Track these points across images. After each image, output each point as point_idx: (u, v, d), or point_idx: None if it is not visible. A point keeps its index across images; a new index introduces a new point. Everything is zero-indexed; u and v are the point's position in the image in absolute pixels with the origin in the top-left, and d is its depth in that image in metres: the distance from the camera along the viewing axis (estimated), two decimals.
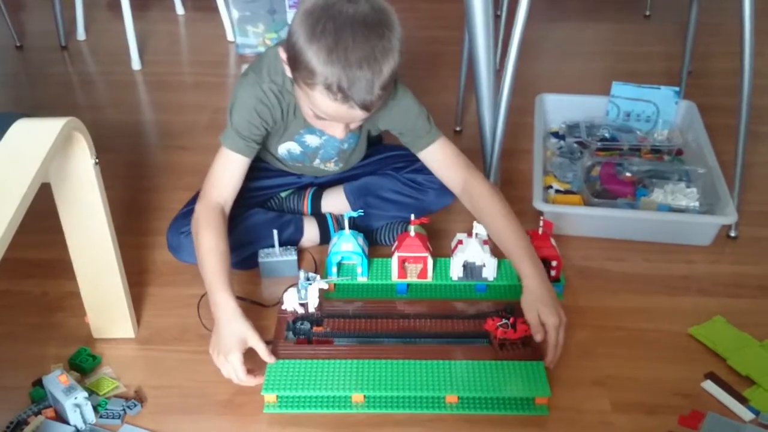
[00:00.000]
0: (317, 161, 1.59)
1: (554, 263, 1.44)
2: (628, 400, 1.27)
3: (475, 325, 1.36)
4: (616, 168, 1.74)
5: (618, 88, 1.94)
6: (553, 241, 1.45)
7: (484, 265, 1.45)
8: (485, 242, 1.44)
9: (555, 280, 1.46)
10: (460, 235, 1.48)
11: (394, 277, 1.47)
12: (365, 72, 1.20)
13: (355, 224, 1.60)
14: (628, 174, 1.73)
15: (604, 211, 1.61)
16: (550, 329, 1.27)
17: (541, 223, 1.44)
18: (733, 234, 1.64)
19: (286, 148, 1.55)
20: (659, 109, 1.93)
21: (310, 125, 1.44)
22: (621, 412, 1.24)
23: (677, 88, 1.93)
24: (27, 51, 2.66)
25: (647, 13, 2.80)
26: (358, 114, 1.27)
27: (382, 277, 1.48)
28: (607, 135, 1.91)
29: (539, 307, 1.29)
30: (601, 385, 1.29)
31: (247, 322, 1.26)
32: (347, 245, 1.45)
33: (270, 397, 1.25)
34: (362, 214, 1.51)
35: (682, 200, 1.63)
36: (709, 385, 1.28)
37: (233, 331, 1.26)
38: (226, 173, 1.43)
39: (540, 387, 1.23)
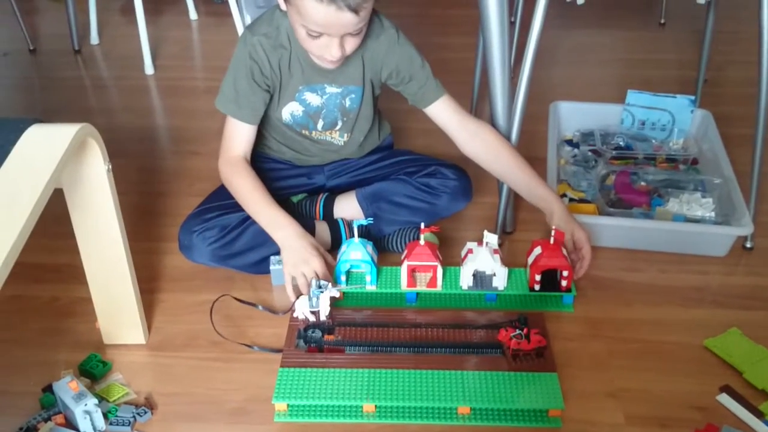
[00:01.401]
0: (321, 124, 1.58)
1: (566, 273, 1.42)
2: (641, 412, 1.25)
3: (488, 335, 1.35)
4: (631, 177, 1.73)
5: (633, 96, 1.93)
6: (564, 251, 1.44)
7: (494, 275, 1.43)
8: (495, 251, 1.43)
9: (566, 290, 1.44)
10: (470, 244, 1.46)
11: (404, 285, 1.46)
12: None
13: (367, 230, 1.59)
14: (643, 183, 1.71)
15: (619, 221, 1.60)
16: (585, 242, 1.44)
17: (553, 233, 1.43)
18: (748, 245, 1.63)
19: (289, 111, 1.56)
20: (674, 118, 1.91)
21: (309, 81, 1.50)
22: (635, 424, 1.23)
23: (693, 97, 1.91)
24: (40, 55, 2.67)
25: (662, 20, 2.79)
26: (348, 18, 1.30)
27: (392, 286, 1.47)
28: (621, 143, 1.89)
29: (574, 225, 1.46)
30: (615, 398, 1.28)
31: (312, 237, 1.45)
32: (356, 253, 1.44)
33: (281, 405, 1.24)
34: (372, 222, 1.52)
35: (698, 210, 1.62)
36: (724, 399, 1.27)
37: (311, 242, 1.43)
38: (237, 136, 1.52)
39: (553, 399, 1.22)
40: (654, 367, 1.34)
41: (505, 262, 1.44)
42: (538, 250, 1.44)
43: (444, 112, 1.54)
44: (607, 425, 1.23)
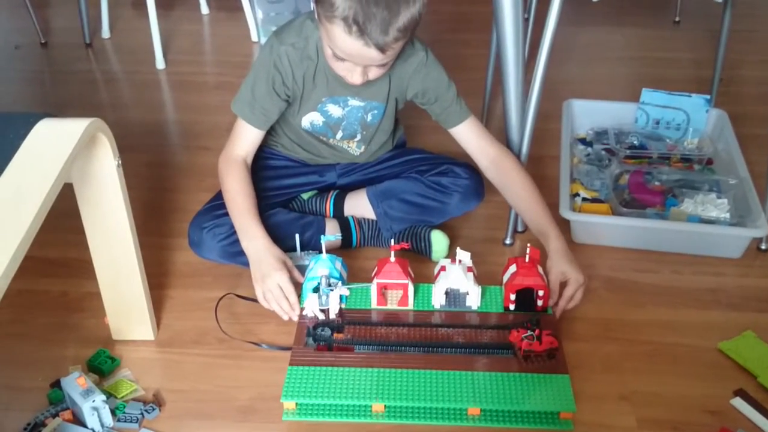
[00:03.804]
0: (340, 135, 1.58)
1: (541, 293, 1.37)
2: (654, 416, 1.24)
3: (499, 335, 1.33)
4: (645, 176, 1.71)
5: (648, 94, 1.91)
6: (540, 269, 1.38)
7: (467, 293, 1.39)
8: (469, 269, 1.39)
9: (542, 310, 1.38)
10: (443, 261, 1.42)
11: (374, 303, 1.41)
12: (382, 10, 1.23)
13: (377, 227, 1.58)
14: (657, 183, 1.70)
15: (633, 221, 1.58)
16: (573, 283, 1.36)
17: (528, 251, 1.37)
18: (763, 247, 1.61)
19: (309, 120, 1.55)
20: (689, 117, 1.89)
21: (333, 93, 1.49)
22: (647, 428, 1.22)
23: (708, 96, 1.89)
24: (51, 48, 2.67)
25: (677, 18, 2.76)
26: (373, 55, 1.29)
27: (362, 303, 1.42)
28: (635, 142, 1.87)
29: (567, 266, 1.37)
30: (627, 401, 1.27)
31: (280, 250, 1.41)
32: (323, 270, 1.39)
33: (289, 404, 1.23)
34: (340, 237, 1.54)
35: (713, 211, 1.60)
36: (738, 403, 1.26)
37: (275, 254, 1.39)
38: (243, 137, 1.50)
39: (565, 401, 1.21)
40: (667, 369, 1.33)
41: (477, 281, 1.39)
42: (513, 268, 1.38)
43: (466, 136, 1.54)
44: (619, 428, 1.22)
